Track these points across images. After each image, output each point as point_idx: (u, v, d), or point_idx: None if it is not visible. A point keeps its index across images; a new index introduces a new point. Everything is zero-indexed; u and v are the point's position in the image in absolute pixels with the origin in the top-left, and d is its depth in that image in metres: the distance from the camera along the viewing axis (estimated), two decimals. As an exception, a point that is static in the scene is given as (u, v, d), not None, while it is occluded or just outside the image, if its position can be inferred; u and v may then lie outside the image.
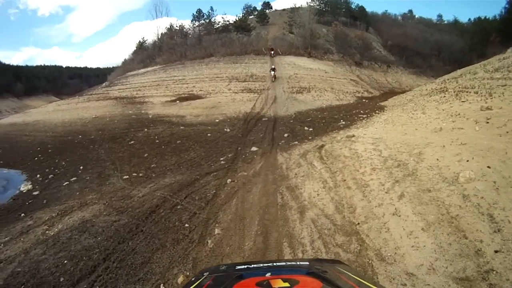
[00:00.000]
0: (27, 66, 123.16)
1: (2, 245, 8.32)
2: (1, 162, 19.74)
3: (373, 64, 52.33)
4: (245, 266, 2.46)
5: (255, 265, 2.45)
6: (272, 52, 44.11)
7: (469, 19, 78.33)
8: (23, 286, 6.36)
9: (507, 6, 45.93)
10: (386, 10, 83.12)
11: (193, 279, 2.32)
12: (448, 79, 19.13)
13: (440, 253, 4.99)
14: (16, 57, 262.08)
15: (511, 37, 35.24)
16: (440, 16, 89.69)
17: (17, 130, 30.04)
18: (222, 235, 7.46)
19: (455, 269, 4.66)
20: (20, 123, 33.78)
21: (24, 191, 13.65)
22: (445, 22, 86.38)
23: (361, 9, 69.61)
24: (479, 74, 15.76)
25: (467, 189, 6.07)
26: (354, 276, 2.14)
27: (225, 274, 2.36)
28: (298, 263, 2.59)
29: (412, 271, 4.94)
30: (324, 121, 19.36)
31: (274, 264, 2.47)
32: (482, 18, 62.40)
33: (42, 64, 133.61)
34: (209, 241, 7.30)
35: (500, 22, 46.67)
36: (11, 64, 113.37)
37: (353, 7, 69.50)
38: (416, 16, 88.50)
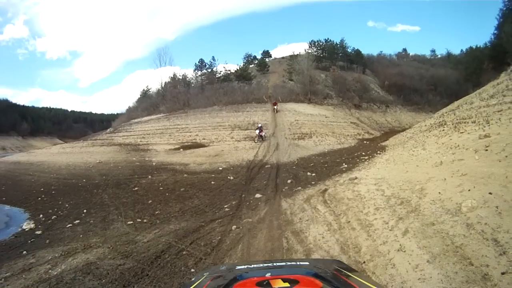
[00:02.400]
0: (33, 106, 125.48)
1: (3, 280, 8.29)
2: (4, 198, 19.90)
3: (372, 105, 52.88)
4: (245, 266, 2.52)
5: (255, 265, 2.51)
6: (276, 107, 42.27)
7: (461, 50, 78.85)
8: None
9: (496, 32, 46.53)
10: (381, 51, 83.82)
11: (193, 279, 2.37)
12: (446, 112, 19.37)
13: (447, 282, 4.97)
14: (23, 97, 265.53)
15: (502, 62, 35.51)
16: (433, 51, 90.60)
17: (21, 169, 30.50)
18: None
19: None
20: (24, 162, 34.35)
21: (26, 230, 13.64)
22: (439, 56, 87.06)
23: (357, 52, 70.55)
24: (475, 103, 15.95)
25: (470, 218, 6.08)
26: (354, 276, 2.16)
27: (225, 274, 2.38)
28: (298, 263, 2.65)
29: None
30: (326, 165, 19.50)
31: (274, 264, 2.52)
32: (474, 47, 62.97)
33: (48, 106, 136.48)
34: None
35: (490, 49, 46.86)
36: (18, 103, 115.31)
37: (350, 51, 70.50)
38: (410, 54, 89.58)
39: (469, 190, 7.01)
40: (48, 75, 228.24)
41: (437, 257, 5.58)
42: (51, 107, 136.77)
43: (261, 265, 2.51)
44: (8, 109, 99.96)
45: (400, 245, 6.44)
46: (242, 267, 2.56)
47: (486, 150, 9.09)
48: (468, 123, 13.25)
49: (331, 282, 1.91)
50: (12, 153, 54.12)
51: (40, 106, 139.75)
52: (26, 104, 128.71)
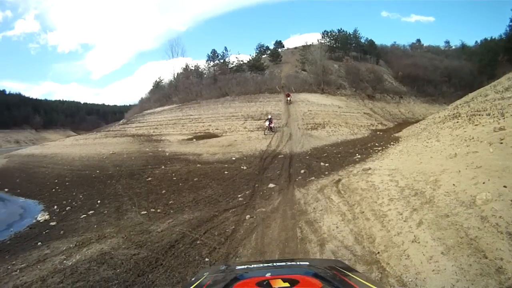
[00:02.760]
0: (46, 100, 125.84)
1: (18, 271, 8.42)
2: (18, 191, 20.32)
3: (385, 96, 52.48)
4: (245, 266, 2.53)
5: (255, 265, 2.51)
6: (289, 98, 41.49)
7: (476, 42, 77.68)
8: None
9: (511, 24, 45.80)
10: (395, 42, 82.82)
11: (193, 279, 2.38)
12: (460, 104, 19.14)
13: (461, 274, 4.98)
14: (35, 91, 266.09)
15: None
16: (447, 42, 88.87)
17: (35, 161, 31.00)
18: None
19: None
20: (38, 154, 34.76)
21: (41, 221, 13.91)
22: (453, 47, 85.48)
23: (371, 42, 69.89)
24: (490, 96, 15.79)
25: (485, 211, 6.08)
26: (354, 276, 2.18)
27: (225, 274, 2.42)
28: (298, 263, 2.65)
29: None
30: (339, 155, 19.48)
31: (274, 264, 2.52)
32: (489, 39, 61.95)
33: (61, 99, 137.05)
34: None
35: (506, 41, 46.09)
36: (30, 97, 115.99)
37: (363, 41, 69.86)
38: (424, 45, 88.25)
39: (483, 183, 7.01)
40: (60, 68, 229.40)
41: (451, 249, 5.60)
42: (64, 99, 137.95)
43: (261, 265, 2.54)
44: (21, 102, 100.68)
45: (414, 236, 6.46)
46: (242, 267, 2.59)
47: (501, 143, 9.03)
48: (482, 115, 13.12)
49: (331, 282, 1.94)
50: (26, 146, 54.50)
51: (53, 99, 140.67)
52: (39, 98, 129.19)
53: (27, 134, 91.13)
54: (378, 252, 6.59)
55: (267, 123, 30.76)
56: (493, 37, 59.03)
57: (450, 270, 5.19)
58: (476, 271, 4.92)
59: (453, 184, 7.74)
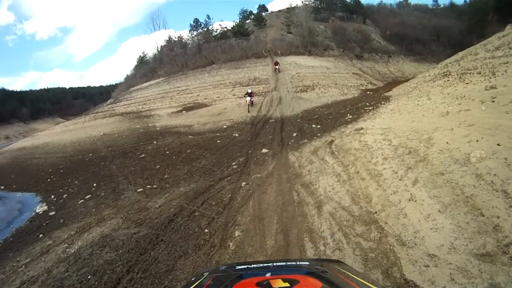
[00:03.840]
0: (30, 90, 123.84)
1: (23, 266, 8.51)
2: (14, 186, 20.20)
3: (374, 55, 52.08)
4: (245, 266, 2.53)
5: (255, 265, 2.52)
6: (277, 67, 38.77)
7: (465, 1, 77.20)
8: None
9: (500, -17, 45.41)
10: (382, 1, 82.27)
11: (193, 279, 2.37)
12: (450, 63, 19.16)
13: (459, 232, 5.06)
14: (19, 83, 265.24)
15: (508, 14, 34.81)
16: (435, 0, 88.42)
17: (27, 154, 30.64)
18: (243, 237, 7.54)
19: (475, 246, 4.73)
20: (29, 146, 34.28)
21: (40, 213, 13.92)
22: (441, 6, 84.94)
23: (357, 2, 69.17)
24: (481, 55, 15.78)
25: (479, 168, 6.13)
26: (354, 276, 2.19)
27: (225, 274, 2.44)
28: (298, 263, 2.63)
29: (433, 252, 5.01)
30: (331, 117, 19.52)
31: (274, 264, 2.52)
32: (478, -1, 61.69)
33: (46, 87, 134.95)
34: (231, 244, 7.39)
35: (496, 0, 46.09)
36: (14, 90, 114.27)
37: (349, 1, 69.29)
38: (412, 3, 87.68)
39: (477, 141, 7.07)
40: (41, 56, 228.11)
41: (448, 207, 5.68)
42: (49, 87, 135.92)
43: (261, 265, 2.53)
44: (6, 97, 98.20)
45: (410, 194, 6.54)
46: (242, 267, 2.58)
47: (493, 101, 9.07)
48: (473, 74, 13.11)
49: (331, 282, 1.95)
50: (16, 140, 53.74)
51: (38, 88, 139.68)
52: (23, 89, 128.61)
53: (16, 128, 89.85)
54: (376, 212, 6.68)
55: (248, 98, 26.48)
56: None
57: (448, 228, 5.27)
58: (473, 229, 5.01)
59: (447, 142, 7.79)
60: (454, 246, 4.90)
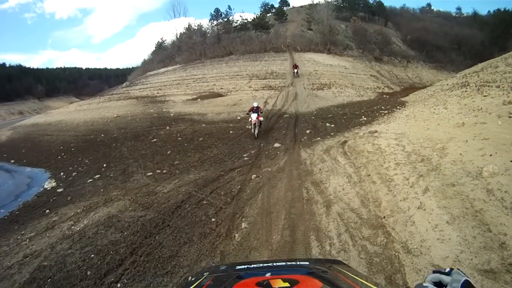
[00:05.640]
0: (47, 68, 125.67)
1: (27, 240, 8.59)
2: (24, 161, 20.61)
3: (393, 59, 51.57)
4: (245, 266, 2.50)
5: (255, 265, 2.50)
6: (296, 70, 35.71)
7: (489, 11, 76.16)
8: (49, 280, 6.46)
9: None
10: (404, 4, 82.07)
11: (193, 279, 2.36)
12: (469, 74, 18.92)
13: (465, 245, 5.07)
14: (36, 60, 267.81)
15: None
16: (459, 9, 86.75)
17: (39, 130, 30.88)
18: (249, 229, 7.55)
19: (480, 262, 4.72)
20: (42, 123, 34.56)
21: (48, 189, 14.20)
22: (464, 15, 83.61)
23: (379, 3, 68.70)
24: (501, 68, 15.57)
25: (491, 183, 6.11)
26: (354, 276, 2.19)
27: (225, 274, 2.42)
28: (298, 263, 2.63)
29: (438, 263, 5.03)
30: (345, 117, 19.44)
31: (274, 264, 2.52)
32: (502, 9, 60.84)
33: (62, 66, 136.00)
34: (236, 235, 7.40)
35: (521, 12, 45.51)
36: (31, 67, 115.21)
37: (371, 2, 68.81)
38: (435, 10, 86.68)
39: (490, 155, 7.05)
40: (60, 35, 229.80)
41: (457, 219, 5.68)
42: (65, 66, 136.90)
43: (261, 265, 2.48)
44: (22, 74, 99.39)
45: (420, 203, 6.55)
46: (242, 266, 2.52)
47: (510, 117, 8.96)
48: (492, 87, 12.95)
49: (331, 282, 1.91)
50: (30, 116, 54.13)
51: (54, 67, 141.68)
52: (40, 67, 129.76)
53: (30, 104, 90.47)
54: (384, 217, 6.69)
55: (253, 116, 17.90)
56: (507, 9, 57.94)
57: (454, 240, 5.28)
58: (480, 244, 5.01)
59: (460, 154, 7.78)
60: (459, 259, 4.92)
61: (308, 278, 1.98)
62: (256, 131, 17.97)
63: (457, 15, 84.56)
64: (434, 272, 1.67)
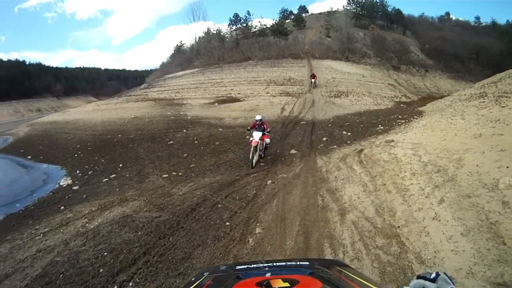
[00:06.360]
0: (66, 67, 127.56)
1: (41, 235, 8.74)
2: (41, 157, 20.94)
3: (411, 68, 51.24)
4: (245, 266, 2.53)
5: (255, 265, 2.52)
6: (313, 80, 34.65)
7: (507, 21, 75.25)
8: (61, 275, 6.53)
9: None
10: (423, 13, 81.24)
11: (193, 279, 2.38)
12: (487, 84, 18.75)
13: (479, 258, 5.04)
14: (55, 59, 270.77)
15: None
16: (477, 18, 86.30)
17: (57, 128, 31.39)
18: (263, 234, 7.58)
19: (493, 274, 4.69)
20: (60, 121, 35.08)
21: (63, 186, 14.40)
22: (483, 24, 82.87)
23: (398, 12, 68.60)
24: (520, 79, 15.49)
25: (507, 196, 6.09)
26: (354, 276, 2.20)
27: (225, 274, 2.43)
28: (298, 263, 2.61)
29: (451, 275, 4.88)
30: (362, 125, 19.42)
31: (274, 264, 2.53)
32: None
33: (81, 66, 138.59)
34: (250, 240, 7.43)
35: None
36: (51, 65, 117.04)
37: (390, 10, 68.75)
38: (453, 18, 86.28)
39: (507, 167, 7.01)
40: (79, 35, 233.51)
41: (471, 231, 5.65)
42: (84, 66, 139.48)
43: (261, 265, 2.50)
44: (42, 72, 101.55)
45: (435, 213, 6.52)
46: (242, 267, 2.54)
47: (528, 129, 8.95)
48: (510, 98, 12.79)
49: (331, 282, 1.94)
50: (48, 114, 54.91)
51: (73, 66, 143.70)
52: (59, 66, 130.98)
53: (49, 102, 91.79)
54: (399, 227, 6.67)
55: (256, 136, 13.82)
56: (527, 18, 57.31)
57: (468, 252, 5.25)
58: (494, 256, 4.98)
59: (477, 165, 7.73)
60: (472, 271, 4.89)
61: (308, 278, 2.01)
62: (256, 158, 13.78)
63: (475, 24, 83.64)
64: (418, 277, 1.72)
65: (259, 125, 14.18)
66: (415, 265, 5.48)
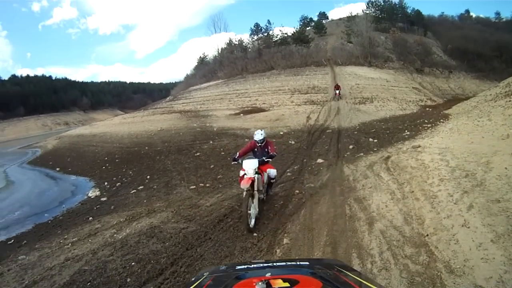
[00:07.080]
0: (92, 82, 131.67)
1: (70, 244, 8.87)
2: (69, 169, 21.53)
3: (434, 70, 50.74)
4: (245, 266, 2.56)
5: (255, 265, 2.55)
6: (338, 91, 32.99)
7: (529, 14, 73.75)
8: (89, 284, 6.62)
9: None
10: (443, 12, 79.99)
11: (193, 279, 2.40)
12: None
13: (510, 265, 4.92)
14: (80, 74, 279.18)
15: None
16: (498, 13, 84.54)
17: (84, 141, 32.25)
18: (291, 245, 7.56)
19: None
20: (87, 134, 35.94)
21: (92, 197, 14.71)
22: (504, 19, 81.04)
23: (418, 13, 68.15)
24: (545, 75, 15.22)
25: (537, 199, 5.95)
26: (354, 276, 2.23)
27: (225, 274, 2.47)
28: (298, 263, 2.65)
29: (481, 283, 4.87)
30: (388, 131, 19.36)
31: (274, 264, 2.57)
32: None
33: (107, 80, 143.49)
34: (278, 250, 7.43)
35: None
36: (77, 80, 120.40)
37: (409, 12, 68.32)
38: (473, 16, 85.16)
39: (537, 169, 6.86)
40: (103, 50, 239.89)
41: (501, 237, 5.52)
42: (110, 80, 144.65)
43: (261, 265, 2.54)
44: (68, 86, 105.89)
45: (464, 220, 6.41)
46: (242, 267, 2.59)
47: (557, 127, 8.80)
48: (537, 96, 12.69)
49: (331, 282, 1.95)
50: (75, 127, 56.66)
51: (99, 80, 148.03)
52: (85, 80, 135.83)
53: (76, 116, 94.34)
54: (427, 235, 6.58)
55: (249, 167, 8.74)
56: (550, 10, 56.06)
57: (498, 259, 5.12)
58: (525, 264, 4.87)
59: (505, 168, 7.59)
60: (503, 279, 4.76)
61: (308, 278, 2.05)
62: (255, 210, 8.82)
63: (496, 20, 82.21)
64: None
65: (261, 147, 10.00)
66: (444, 274, 5.39)
